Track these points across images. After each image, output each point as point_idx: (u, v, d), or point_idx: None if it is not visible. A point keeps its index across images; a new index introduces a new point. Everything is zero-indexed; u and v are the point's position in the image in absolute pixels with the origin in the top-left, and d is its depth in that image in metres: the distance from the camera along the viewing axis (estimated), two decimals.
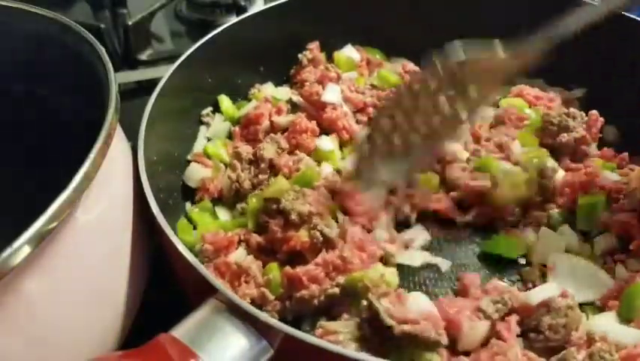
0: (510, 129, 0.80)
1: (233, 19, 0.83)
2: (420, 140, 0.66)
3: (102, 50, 0.55)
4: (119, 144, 0.55)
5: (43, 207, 0.39)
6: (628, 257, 0.64)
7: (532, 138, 0.79)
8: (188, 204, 0.74)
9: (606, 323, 0.57)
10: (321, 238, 0.62)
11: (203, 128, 0.82)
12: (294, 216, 0.63)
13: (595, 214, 0.68)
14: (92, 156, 0.44)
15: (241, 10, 1.14)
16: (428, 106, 0.65)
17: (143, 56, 1.05)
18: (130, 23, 1.03)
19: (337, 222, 0.66)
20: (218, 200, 0.73)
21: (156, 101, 0.66)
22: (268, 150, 0.74)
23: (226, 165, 0.76)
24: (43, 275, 0.41)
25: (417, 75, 0.71)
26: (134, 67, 1.03)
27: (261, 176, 0.72)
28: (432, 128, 0.65)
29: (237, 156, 0.75)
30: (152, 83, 0.71)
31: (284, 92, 0.87)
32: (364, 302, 0.55)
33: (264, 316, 0.44)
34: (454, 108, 0.65)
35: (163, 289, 0.60)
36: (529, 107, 0.85)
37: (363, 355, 0.43)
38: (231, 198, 0.73)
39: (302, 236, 0.62)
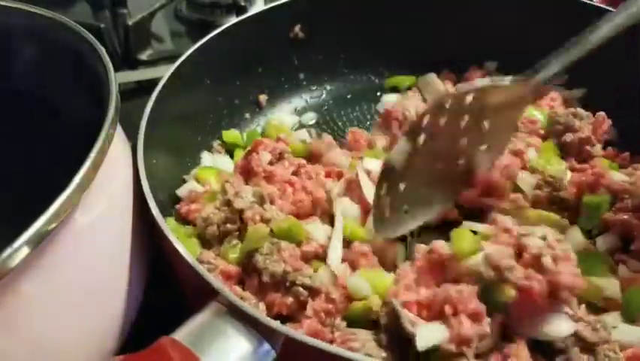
0: (524, 135, 0.79)
1: (234, 20, 0.83)
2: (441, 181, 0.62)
3: (102, 50, 0.55)
4: (119, 144, 0.55)
5: (44, 207, 0.39)
6: (629, 257, 0.64)
7: (554, 150, 0.78)
8: None
9: (611, 322, 0.56)
10: (306, 293, 0.57)
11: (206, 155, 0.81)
12: (266, 278, 0.57)
13: (598, 213, 0.68)
14: (92, 156, 0.44)
15: (241, 10, 1.13)
16: (447, 143, 0.60)
17: (143, 56, 1.04)
18: (130, 23, 1.03)
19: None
20: None
21: (156, 101, 0.66)
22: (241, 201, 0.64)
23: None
24: (42, 276, 0.41)
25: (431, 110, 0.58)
26: (134, 67, 1.03)
27: (229, 226, 0.63)
28: (452, 167, 0.62)
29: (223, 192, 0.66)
30: (152, 83, 0.71)
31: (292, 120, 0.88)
32: (384, 308, 0.53)
33: (265, 318, 0.44)
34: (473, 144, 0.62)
35: (163, 290, 0.59)
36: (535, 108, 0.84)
37: (367, 358, 0.42)
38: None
39: (285, 301, 0.57)
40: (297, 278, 0.57)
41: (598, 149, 0.78)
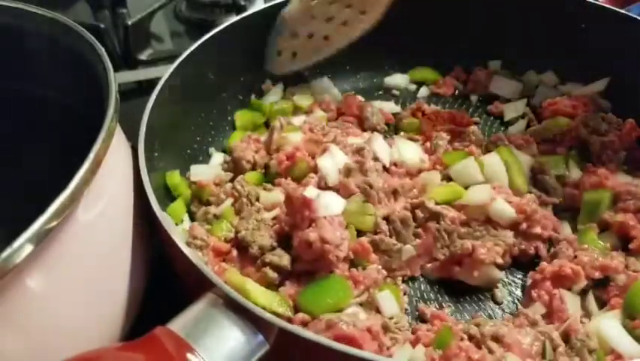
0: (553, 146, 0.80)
1: (233, 19, 0.83)
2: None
3: (102, 50, 0.55)
4: (119, 143, 0.55)
5: (43, 207, 0.39)
6: (628, 256, 0.65)
7: (578, 159, 0.78)
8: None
9: (612, 326, 0.57)
10: (275, 275, 0.61)
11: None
12: (254, 250, 0.61)
13: (597, 212, 0.68)
14: (92, 155, 0.44)
15: (241, 9, 1.14)
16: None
17: (143, 56, 1.05)
18: (130, 23, 1.03)
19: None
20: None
21: (156, 100, 0.66)
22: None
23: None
24: (44, 273, 0.41)
25: None
26: (133, 67, 1.03)
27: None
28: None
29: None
30: (152, 83, 0.71)
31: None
32: None
33: (259, 310, 0.44)
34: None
35: (163, 284, 0.60)
36: (572, 118, 0.82)
37: (355, 350, 0.43)
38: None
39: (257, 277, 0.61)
40: (267, 257, 0.60)
41: (622, 155, 0.76)
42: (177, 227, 0.68)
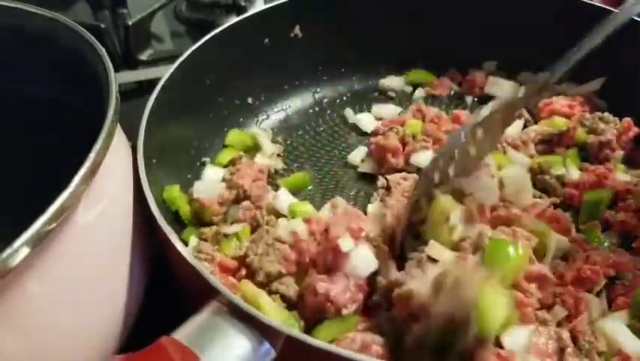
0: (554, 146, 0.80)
1: (234, 19, 0.83)
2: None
3: (102, 50, 0.55)
4: (119, 144, 0.55)
5: (43, 207, 0.39)
6: (633, 255, 0.64)
7: (577, 159, 0.78)
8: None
9: (619, 326, 0.57)
10: (284, 304, 0.58)
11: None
12: (261, 277, 0.59)
13: (598, 210, 0.69)
14: (91, 156, 0.44)
15: (241, 10, 1.14)
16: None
17: (143, 56, 1.05)
18: (130, 23, 1.03)
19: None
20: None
21: (156, 101, 0.66)
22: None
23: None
24: (43, 276, 0.41)
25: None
26: (134, 67, 1.03)
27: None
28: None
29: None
30: (152, 83, 0.71)
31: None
32: None
33: (265, 318, 0.44)
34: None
35: (164, 291, 0.59)
36: (568, 118, 0.83)
37: (367, 358, 0.42)
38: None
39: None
40: (274, 285, 0.58)
41: (618, 154, 0.77)
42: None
